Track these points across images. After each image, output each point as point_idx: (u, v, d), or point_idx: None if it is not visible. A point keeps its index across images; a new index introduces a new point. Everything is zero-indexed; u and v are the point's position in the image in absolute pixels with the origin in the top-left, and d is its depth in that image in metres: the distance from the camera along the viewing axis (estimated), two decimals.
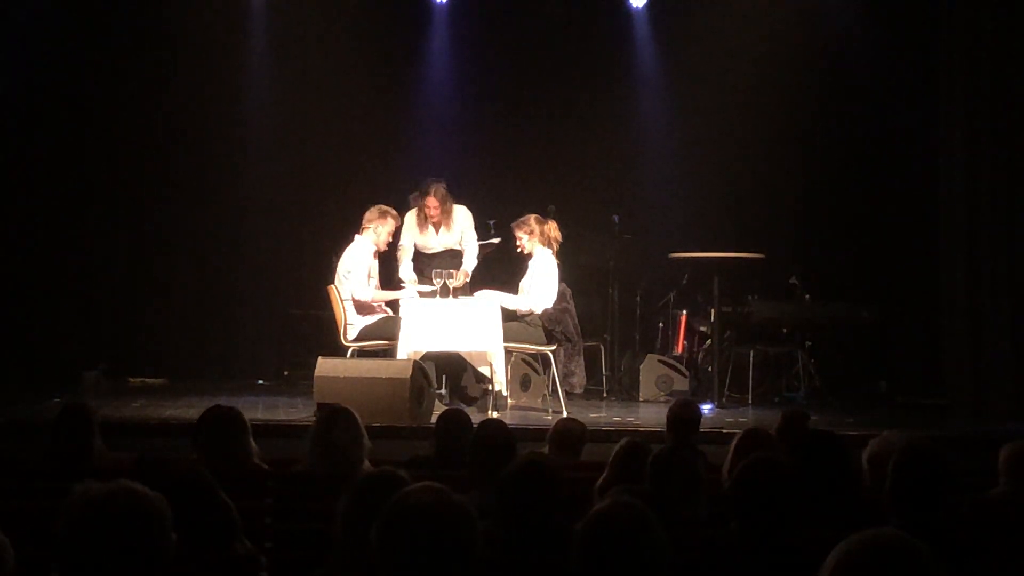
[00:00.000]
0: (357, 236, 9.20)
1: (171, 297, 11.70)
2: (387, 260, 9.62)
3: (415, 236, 9.66)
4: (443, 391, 9.57)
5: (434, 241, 9.71)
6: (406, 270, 9.64)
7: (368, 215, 9.18)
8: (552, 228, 9.32)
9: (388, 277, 9.56)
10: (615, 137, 11.91)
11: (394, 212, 9.24)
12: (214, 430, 5.36)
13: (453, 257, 9.69)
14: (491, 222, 10.22)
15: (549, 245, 9.26)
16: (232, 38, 11.69)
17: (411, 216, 9.67)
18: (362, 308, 9.16)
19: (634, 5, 12.02)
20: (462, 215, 9.70)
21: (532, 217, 9.36)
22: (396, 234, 9.31)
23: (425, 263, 9.64)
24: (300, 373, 10.38)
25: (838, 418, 9.04)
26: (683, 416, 6.22)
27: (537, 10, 11.92)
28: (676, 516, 4.05)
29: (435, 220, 9.60)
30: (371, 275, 9.26)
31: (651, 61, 12.16)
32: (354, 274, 9.09)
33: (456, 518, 2.46)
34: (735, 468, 3.87)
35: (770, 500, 3.63)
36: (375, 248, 9.18)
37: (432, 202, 9.53)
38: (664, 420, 6.35)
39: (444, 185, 9.56)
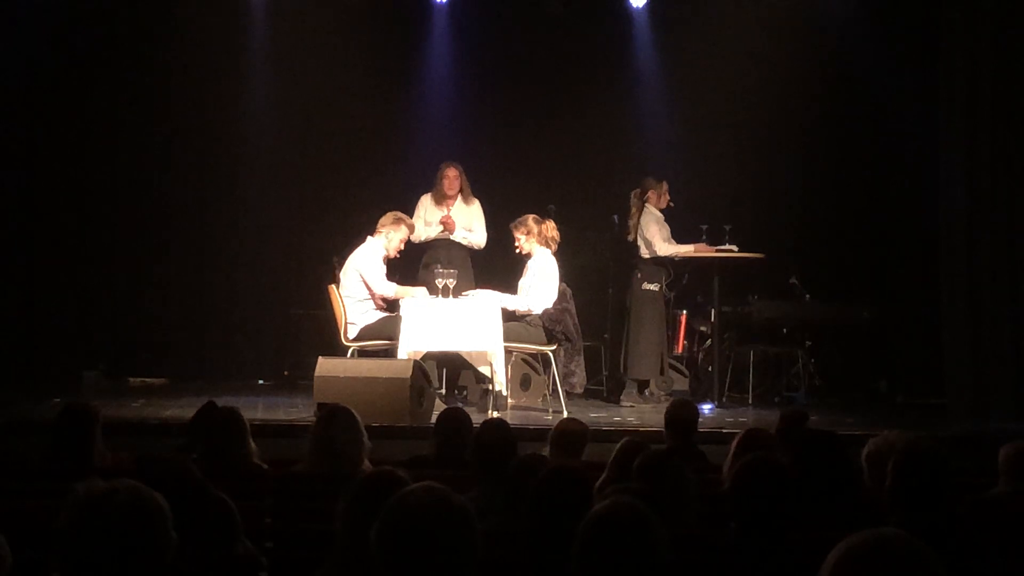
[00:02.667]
0: (369, 238, 9.23)
1: (171, 297, 11.69)
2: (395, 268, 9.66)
3: (429, 211, 9.83)
4: (444, 390, 9.61)
5: (442, 218, 9.80)
6: (418, 230, 9.77)
7: (383, 219, 9.24)
8: (550, 228, 9.33)
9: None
10: (615, 137, 11.90)
11: (410, 221, 9.35)
12: (214, 430, 5.36)
13: (458, 250, 9.77)
14: (727, 227, 10.32)
15: (547, 245, 9.26)
16: (231, 39, 11.68)
17: (427, 197, 9.91)
18: (381, 302, 9.17)
19: (634, 5, 12.02)
20: (478, 206, 9.99)
21: (530, 217, 9.38)
22: (407, 244, 9.41)
23: (430, 255, 9.73)
24: (300, 373, 10.38)
25: (838, 418, 9.04)
26: (681, 416, 6.22)
27: (537, 10, 11.91)
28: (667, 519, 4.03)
29: (452, 193, 9.76)
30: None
31: (651, 61, 12.15)
32: (371, 271, 9.11)
33: (456, 518, 2.45)
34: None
35: (768, 500, 3.63)
36: (385, 253, 9.20)
37: (452, 172, 9.84)
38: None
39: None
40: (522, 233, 9.27)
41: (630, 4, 12.01)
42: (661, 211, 10.35)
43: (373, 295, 9.13)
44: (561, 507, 3.41)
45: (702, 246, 10.33)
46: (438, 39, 12.04)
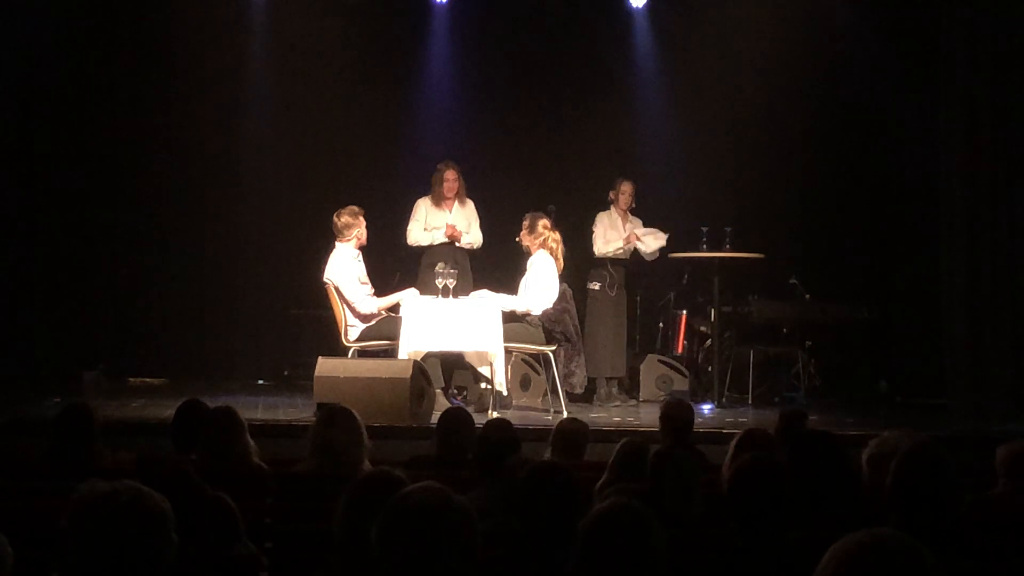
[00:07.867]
0: (338, 244, 9.19)
1: (171, 297, 11.69)
2: (374, 259, 9.64)
3: (431, 215, 9.84)
4: (453, 390, 9.65)
5: (442, 220, 9.81)
6: (417, 234, 9.76)
7: (344, 220, 9.15)
8: (555, 238, 9.30)
9: (376, 275, 9.56)
10: (615, 137, 11.90)
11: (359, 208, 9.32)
12: (213, 430, 5.35)
13: (460, 251, 9.77)
14: (728, 229, 10.37)
15: (545, 246, 9.26)
16: (231, 39, 11.69)
17: (425, 201, 9.91)
18: (366, 317, 9.16)
19: (634, 5, 12.02)
20: (472, 206, 10.01)
21: (544, 221, 9.38)
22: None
23: (431, 255, 9.72)
24: (300, 373, 10.38)
25: (838, 418, 9.05)
26: (676, 415, 6.23)
27: (537, 10, 11.92)
28: (673, 515, 4.05)
29: (451, 195, 9.84)
30: (362, 280, 9.25)
31: (651, 61, 12.15)
32: (349, 289, 9.08)
33: (456, 518, 2.46)
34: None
35: (767, 500, 3.63)
36: (357, 252, 9.19)
37: (452, 174, 9.85)
38: None
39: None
40: (528, 230, 9.29)
41: (630, 4, 12.01)
42: (626, 210, 10.41)
43: (357, 313, 9.11)
44: (546, 503, 3.41)
45: (632, 235, 10.37)
46: (438, 39, 12.04)
